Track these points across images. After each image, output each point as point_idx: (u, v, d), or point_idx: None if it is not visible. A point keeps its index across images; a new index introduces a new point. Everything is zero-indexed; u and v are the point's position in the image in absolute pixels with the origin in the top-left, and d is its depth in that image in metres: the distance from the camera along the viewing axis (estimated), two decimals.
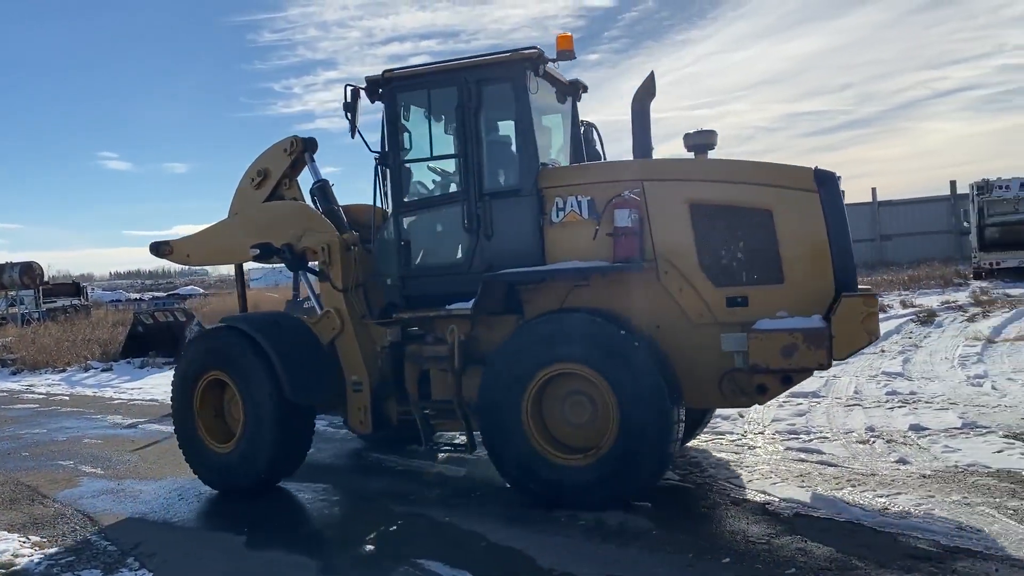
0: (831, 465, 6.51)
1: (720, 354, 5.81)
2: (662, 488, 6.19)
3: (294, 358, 6.61)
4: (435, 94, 6.63)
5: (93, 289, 45.13)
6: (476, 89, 6.36)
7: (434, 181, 7.02)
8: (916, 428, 7.38)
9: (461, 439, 6.97)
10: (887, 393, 8.99)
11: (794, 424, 7.93)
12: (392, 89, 6.68)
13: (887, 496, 5.66)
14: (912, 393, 8.90)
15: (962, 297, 17.94)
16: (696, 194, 5.96)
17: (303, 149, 7.51)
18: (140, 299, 38.79)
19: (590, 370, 5.71)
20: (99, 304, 35.52)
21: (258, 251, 7.14)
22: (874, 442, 7.11)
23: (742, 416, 8.29)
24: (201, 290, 46.29)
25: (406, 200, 6.76)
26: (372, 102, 6.80)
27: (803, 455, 6.85)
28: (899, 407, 8.26)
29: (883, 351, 11.76)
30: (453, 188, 6.70)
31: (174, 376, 7.16)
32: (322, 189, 7.48)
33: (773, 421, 8.11)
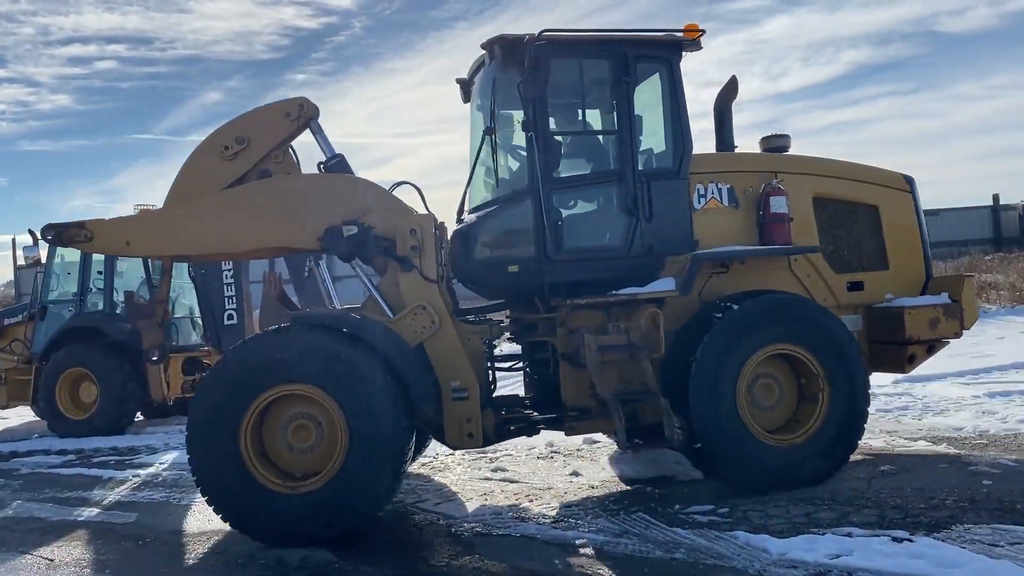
0: (513, 482, 6.86)
1: None
2: None
3: (411, 362, 5.60)
4: (586, 64, 6.31)
5: None
6: (633, 64, 6.19)
7: (583, 157, 6.60)
8: (589, 441, 8.03)
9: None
10: None
11: None
12: (547, 54, 6.01)
13: (560, 509, 6.05)
14: None
15: None
16: (819, 188, 6.67)
17: (311, 115, 6.23)
18: None
19: (807, 352, 5.92)
20: None
21: (355, 229, 5.79)
22: (553, 457, 7.62)
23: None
24: None
25: (556, 176, 6.16)
26: (506, 62, 6.08)
27: (489, 474, 7.15)
28: None
29: None
30: (605, 166, 6.44)
31: (197, 403, 5.43)
32: (341, 165, 6.32)
33: None
